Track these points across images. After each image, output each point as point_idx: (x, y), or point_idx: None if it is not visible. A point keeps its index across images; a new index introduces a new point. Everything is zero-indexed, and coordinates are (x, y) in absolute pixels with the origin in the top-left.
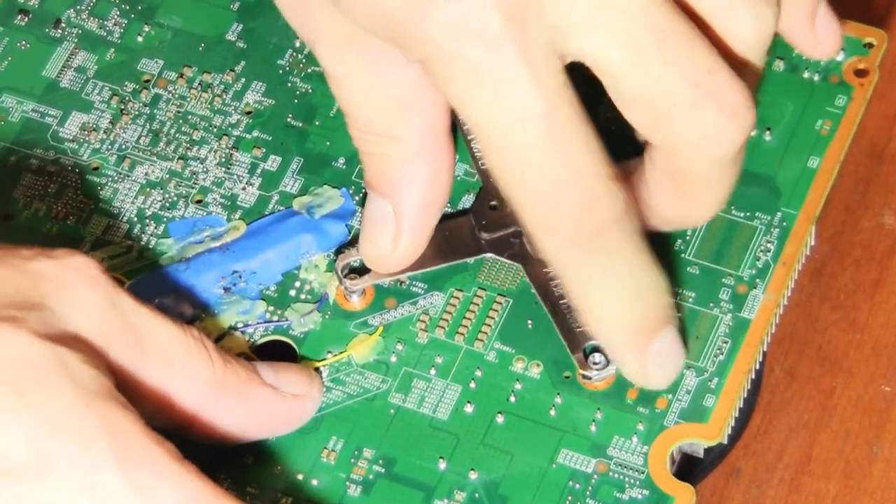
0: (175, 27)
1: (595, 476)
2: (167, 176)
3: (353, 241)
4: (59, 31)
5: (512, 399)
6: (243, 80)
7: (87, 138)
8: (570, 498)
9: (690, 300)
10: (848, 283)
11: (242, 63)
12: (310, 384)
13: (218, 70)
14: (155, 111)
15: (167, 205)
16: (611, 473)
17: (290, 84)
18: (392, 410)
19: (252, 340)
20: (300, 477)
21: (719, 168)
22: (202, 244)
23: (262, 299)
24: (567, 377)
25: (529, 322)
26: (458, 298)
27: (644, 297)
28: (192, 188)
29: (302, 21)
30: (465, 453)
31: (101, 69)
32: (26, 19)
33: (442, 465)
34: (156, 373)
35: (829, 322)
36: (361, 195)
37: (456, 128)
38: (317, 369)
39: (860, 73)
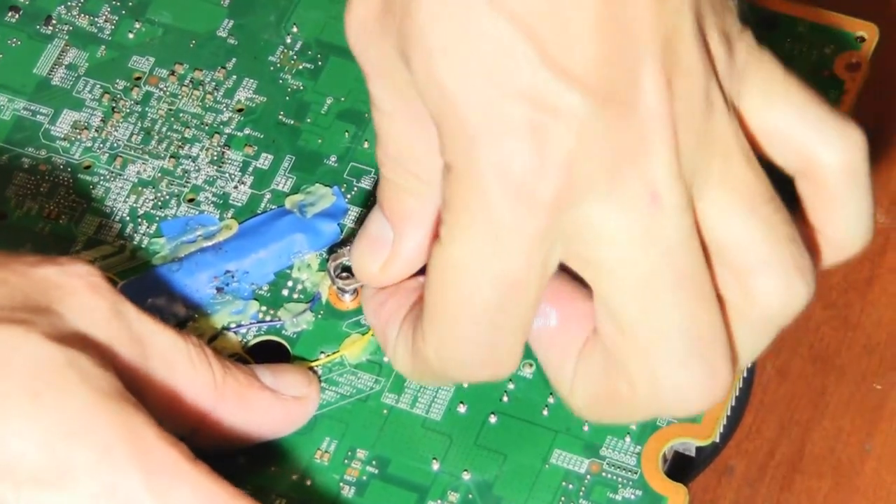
0: (166, 24)
1: (588, 476)
2: (159, 174)
3: (345, 241)
4: (50, 28)
5: (505, 399)
6: (234, 77)
7: (78, 137)
8: (563, 498)
9: None
10: (840, 282)
11: (233, 60)
12: (308, 385)
13: (209, 67)
14: (146, 109)
15: (159, 204)
16: (604, 474)
17: (281, 81)
18: (385, 411)
19: (245, 341)
20: (294, 478)
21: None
22: (194, 243)
23: (255, 299)
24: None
25: None
26: None
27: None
28: (184, 187)
29: (366, 50)
30: (458, 454)
31: (93, 67)
32: (17, 16)
33: (435, 465)
34: (159, 381)
35: (821, 320)
36: (353, 193)
37: None
38: (310, 370)
39: (852, 68)
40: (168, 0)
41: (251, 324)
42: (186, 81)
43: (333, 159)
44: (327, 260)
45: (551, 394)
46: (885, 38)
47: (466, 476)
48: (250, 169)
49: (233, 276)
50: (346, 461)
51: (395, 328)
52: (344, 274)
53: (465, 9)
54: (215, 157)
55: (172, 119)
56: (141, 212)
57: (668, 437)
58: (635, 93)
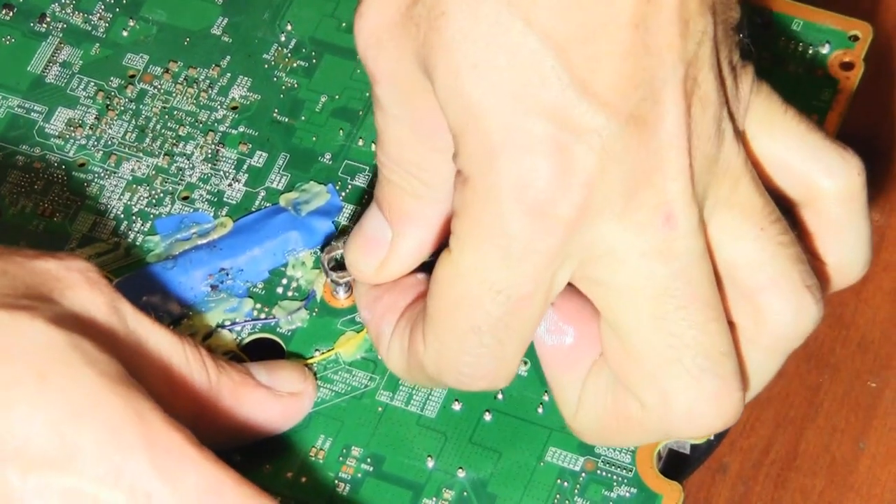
0: (160, 21)
1: (583, 474)
2: (153, 172)
3: (339, 235)
4: (44, 25)
5: (500, 397)
6: (229, 75)
7: (72, 134)
8: (558, 496)
9: None
10: None
11: (228, 58)
12: (304, 381)
13: (203, 65)
14: (141, 107)
15: (154, 201)
16: (599, 471)
17: (275, 79)
18: (380, 408)
19: (239, 338)
20: (289, 476)
21: None
22: (189, 241)
23: (250, 297)
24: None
25: None
26: None
27: None
28: (179, 184)
29: (377, 56)
30: (453, 451)
31: (87, 64)
32: (11, 14)
33: (430, 463)
34: (155, 380)
35: None
36: (348, 191)
37: None
38: (306, 367)
39: (846, 66)
40: None
41: (246, 321)
42: (181, 79)
43: (328, 157)
44: (321, 255)
45: (546, 392)
46: (879, 37)
47: (461, 474)
48: (245, 167)
49: (227, 274)
50: (340, 459)
51: (389, 325)
52: (338, 268)
53: (499, 25)
54: (210, 155)
55: (167, 117)
56: (135, 209)
57: None
58: (657, 116)
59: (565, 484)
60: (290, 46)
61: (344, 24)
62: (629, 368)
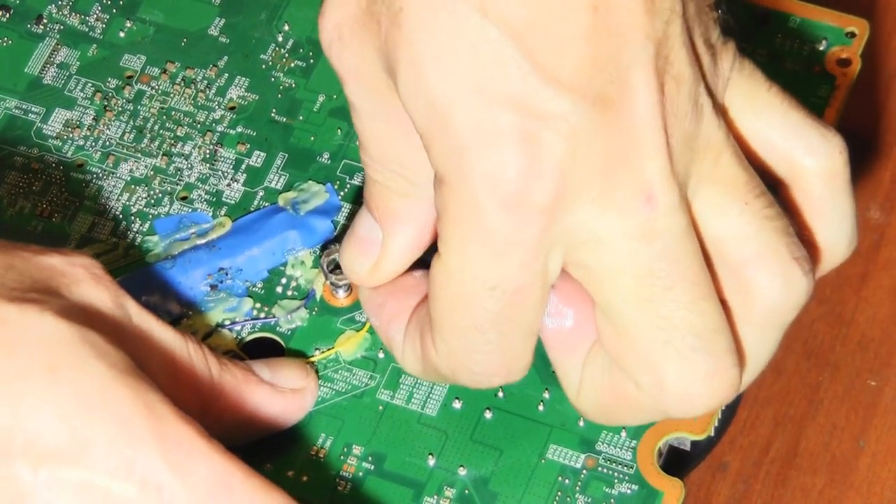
0: (157, 22)
1: (584, 471)
2: (152, 172)
3: (338, 237)
4: (41, 26)
5: (500, 394)
6: (226, 75)
7: (70, 135)
8: (559, 493)
9: None
10: (834, 278)
11: (225, 58)
12: (306, 377)
13: (201, 65)
14: (138, 107)
15: (152, 202)
16: (600, 468)
17: (273, 79)
18: (381, 407)
19: (239, 338)
20: (290, 474)
21: None
22: (188, 241)
23: (249, 296)
24: (554, 372)
25: None
26: None
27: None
28: (177, 185)
29: (341, 54)
30: (453, 449)
31: (84, 65)
32: (7, 15)
33: (431, 461)
34: (160, 376)
35: (815, 316)
36: (346, 190)
37: None
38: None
39: (843, 63)
40: None
41: (245, 321)
42: (178, 80)
43: (326, 156)
44: (321, 257)
45: (547, 389)
46: (876, 34)
47: (462, 472)
48: (243, 167)
49: (227, 274)
50: (341, 457)
51: (399, 331)
52: (337, 270)
53: (457, 17)
54: (208, 155)
55: (164, 117)
56: (134, 210)
57: (663, 431)
58: (626, 96)
59: (566, 481)
60: (288, 46)
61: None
62: (622, 350)
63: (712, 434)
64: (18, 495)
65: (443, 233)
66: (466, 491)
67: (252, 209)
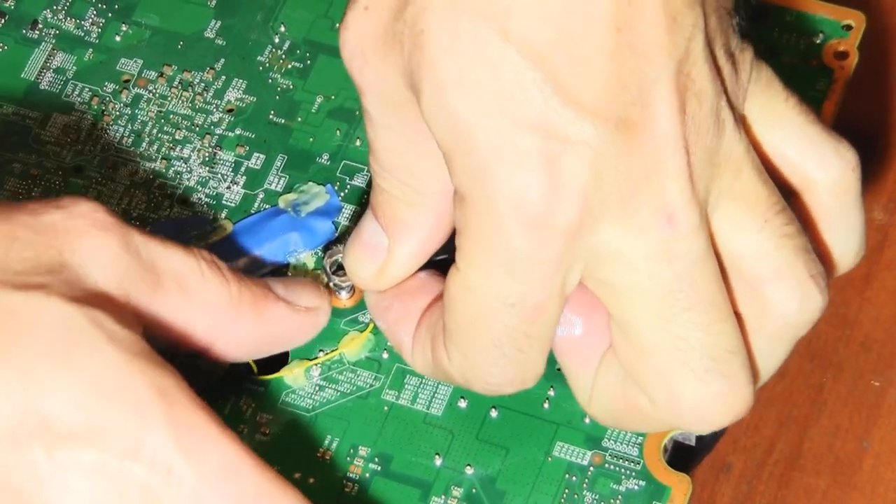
0: (153, 26)
1: (591, 468)
2: (151, 176)
3: (340, 238)
4: (37, 32)
5: None
6: (223, 77)
7: (68, 140)
8: (566, 491)
9: None
10: (837, 279)
11: (222, 61)
12: (320, 296)
13: (198, 68)
14: (136, 111)
15: (152, 206)
16: (607, 465)
17: (270, 80)
18: (386, 407)
19: None
20: (296, 476)
21: None
22: (189, 244)
23: None
24: (559, 369)
25: None
26: None
27: None
28: (177, 188)
29: (363, 68)
30: (460, 449)
31: (81, 70)
32: (3, 21)
33: (438, 461)
34: (175, 302)
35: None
36: (347, 191)
37: None
38: (309, 369)
39: (840, 56)
40: (154, 2)
41: None
42: (175, 83)
43: (325, 157)
44: (323, 258)
45: (552, 386)
46: (873, 26)
47: (469, 471)
48: (242, 169)
49: None
50: (348, 458)
51: (407, 334)
52: (339, 271)
53: (477, 40)
54: (207, 158)
55: (163, 121)
56: (134, 214)
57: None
58: (648, 117)
59: (574, 478)
60: (285, 48)
61: (337, 25)
62: (638, 366)
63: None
64: (34, 478)
65: (463, 248)
66: (474, 490)
67: (252, 211)
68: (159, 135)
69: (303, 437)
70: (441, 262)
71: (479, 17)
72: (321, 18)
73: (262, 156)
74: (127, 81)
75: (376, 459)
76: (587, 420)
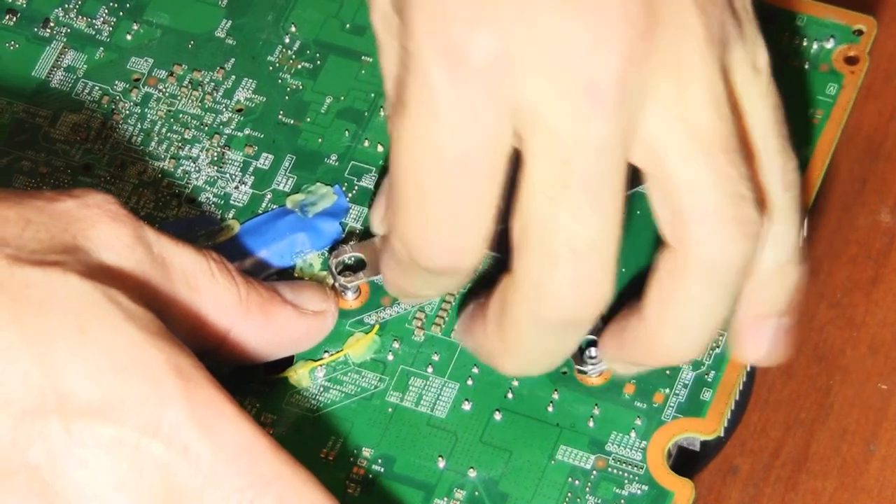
0: (164, 25)
1: (594, 472)
2: (160, 176)
3: (346, 238)
4: (48, 30)
5: (509, 396)
6: (233, 77)
7: (78, 139)
8: (569, 494)
9: None
10: (844, 282)
11: (232, 60)
12: (327, 300)
13: (208, 68)
14: (146, 110)
15: (160, 205)
16: (610, 469)
17: (280, 81)
18: (390, 409)
19: None
20: None
21: (715, 282)
22: (196, 244)
23: None
24: (564, 373)
25: None
26: (453, 295)
27: None
28: (185, 188)
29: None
30: (463, 451)
31: (91, 69)
32: (14, 19)
33: (441, 463)
34: (184, 300)
35: (826, 320)
36: (355, 192)
37: None
38: (314, 369)
39: (850, 61)
40: (165, 1)
41: None
42: (185, 82)
43: (334, 158)
44: (329, 259)
45: (556, 390)
46: (884, 31)
47: (472, 473)
48: (251, 169)
49: None
50: (351, 459)
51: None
52: (346, 271)
53: None
54: (215, 158)
55: (172, 120)
56: (142, 213)
57: (673, 431)
58: None
59: (576, 482)
60: (295, 48)
61: (348, 26)
62: (518, 239)
63: (722, 434)
64: (51, 452)
65: (397, 100)
66: (476, 493)
67: (260, 212)
68: (168, 134)
69: (307, 438)
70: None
71: None
72: (332, 19)
73: (270, 156)
74: (137, 80)
75: (380, 461)
76: (591, 424)
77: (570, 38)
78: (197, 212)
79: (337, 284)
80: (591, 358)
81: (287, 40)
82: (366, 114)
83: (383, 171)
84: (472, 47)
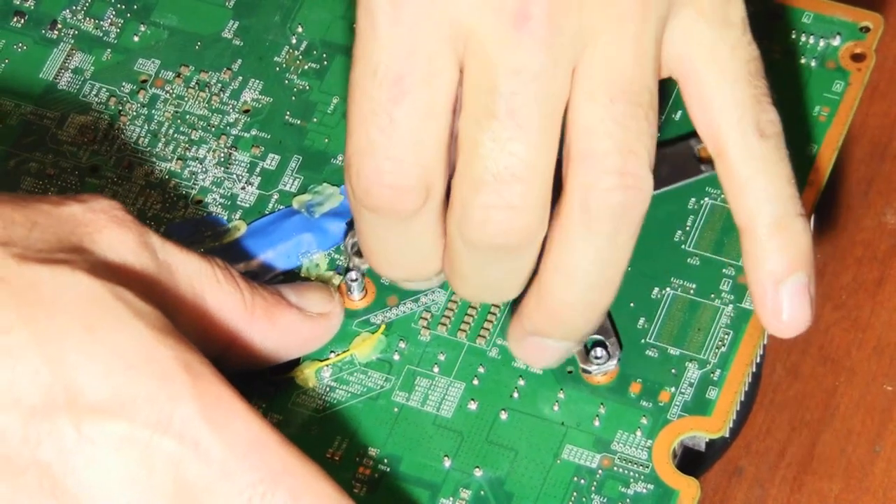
0: (171, 26)
1: (600, 471)
2: (167, 177)
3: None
4: (56, 32)
5: (515, 395)
6: (240, 78)
7: (85, 140)
8: (575, 493)
9: (691, 291)
10: (850, 283)
11: (239, 61)
12: (332, 302)
13: (215, 69)
14: (153, 111)
15: (167, 206)
16: (615, 468)
17: (287, 81)
18: (396, 409)
19: None
20: None
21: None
22: (203, 245)
23: None
24: (570, 372)
25: None
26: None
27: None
28: (192, 189)
29: None
30: (469, 451)
31: (98, 70)
32: (22, 21)
33: (447, 462)
34: (190, 306)
35: (831, 321)
36: None
37: None
38: (320, 369)
39: (857, 58)
40: (173, 2)
41: None
42: (192, 83)
43: (340, 159)
44: (345, 242)
45: (561, 389)
46: (890, 28)
47: (478, 473)
48: (257, 170)
49: None
50: (357, 459)
51: None
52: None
53: None
54: (222, 159)
55: (179, 121)
56: (149, 214)
57: (678, 430)
58: None
59: (582, 481)
60: (301, 49)
61: (354, 26)
62: (457, 169)
63: (727, 434)
64: (62, 450)
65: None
66: (482, 492)
67: (266, 212)
68: (175, 135)
69: (313, 438)
70: None
71: None
72: (338, 19)
73: (277, 157)
74: (144, 82)
75: (385, 461)
76: (597, 423)
77: None
78: (204, 213)
79: (350, 264)
80: (596, 357)
81: (294, 41)
82: None
83: None
84: None
